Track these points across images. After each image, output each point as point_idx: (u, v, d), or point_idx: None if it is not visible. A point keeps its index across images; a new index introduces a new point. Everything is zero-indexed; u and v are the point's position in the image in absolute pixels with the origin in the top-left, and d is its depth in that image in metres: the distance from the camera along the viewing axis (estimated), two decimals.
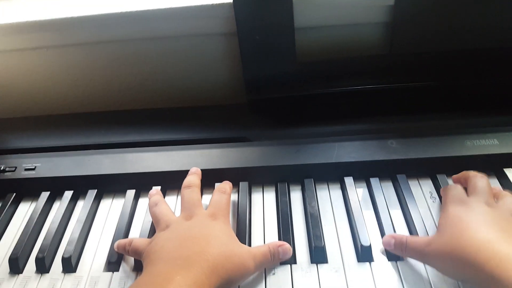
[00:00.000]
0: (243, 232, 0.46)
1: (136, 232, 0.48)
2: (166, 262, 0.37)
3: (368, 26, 0.56)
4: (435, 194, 0.49)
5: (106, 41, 0.60)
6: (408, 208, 0.46)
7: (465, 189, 0.44)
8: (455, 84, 0.54)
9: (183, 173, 0.50)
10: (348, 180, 0.50)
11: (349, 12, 0.54)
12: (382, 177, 0.50)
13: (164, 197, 0.52)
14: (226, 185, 0.49)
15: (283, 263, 0.43)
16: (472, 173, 0.45)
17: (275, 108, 0.57)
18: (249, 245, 0.45)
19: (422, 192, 0.49)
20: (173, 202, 0.51)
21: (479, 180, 0.43)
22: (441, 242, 0.37)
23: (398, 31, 0.52)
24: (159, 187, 0.51)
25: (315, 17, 0.54)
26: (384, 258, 0.43)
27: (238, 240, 0.42)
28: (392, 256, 0.43)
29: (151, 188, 0.51)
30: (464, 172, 0.46)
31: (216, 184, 0.50)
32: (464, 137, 0.50)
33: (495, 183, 0.50)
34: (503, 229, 0.36)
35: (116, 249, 0.45)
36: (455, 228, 0.38)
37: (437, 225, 0.43)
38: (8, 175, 0.53)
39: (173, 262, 0.37)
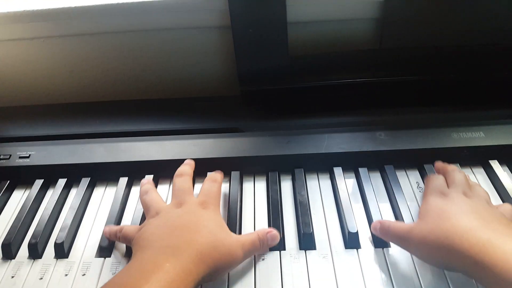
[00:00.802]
0: (234, 220, 0.47)
1: (128, 219, 0.49)
2: (155, 250, 0.38)
3: (358, 21, 0.57)
4: (422, 185, 0.50)
5: (102, 32, 0.61)
6: (395, 197, 0.48)
7: None
8: (443, 78, 0.55)
9: (176, 162, 0.51)
10: (337, 170, 0.51)
11: (341, 7, 0.56)
12: (370, 168, 0.52)
13: (156, 186, 0.53)
14: (217, 174, 0.49)
15: (272, 249, 0.44)
16: (450, 167, 0.47)
17: (267, 100, 0.59)
18: (240, 233, 0.47)
19: (409, 182, 0.51)
20: (165, 191, 0.52)
21: (457, 173, 0.45)
22: (423, 230, 0.39)
23: (387, 27, 0.54)
24: (151, 177, 0.51)
25: (308, 12, 0.56)
26: (371, 245, 0.44)
27: (227, 229, 0.43)
28: (379, 243, 0.44)
29: (144, 177, 0.52)
30: (443, 166, 0.48)
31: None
32: (451, 129, 0.52)
33: (481, 174, 0.52)
34: (482, 217, 0.38)
35: (107, 236, 0.45)
36: (437, 217, 0.39)
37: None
38: (3, 162, 0.54)
39: (163, 250, 0.38)
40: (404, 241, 0.41)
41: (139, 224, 0.47)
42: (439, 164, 0.49)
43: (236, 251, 0.40)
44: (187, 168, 0.50)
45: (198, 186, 0.52)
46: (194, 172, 0.51)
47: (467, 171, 0.52)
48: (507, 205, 0.43)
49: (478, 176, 0.51)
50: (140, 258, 0.38)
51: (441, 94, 0.56)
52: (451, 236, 0.36)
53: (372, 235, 0.44)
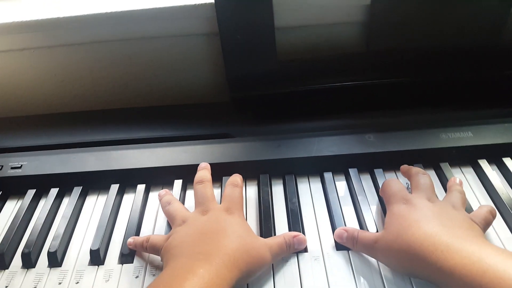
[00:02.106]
0: None
1: (121, 226, 0.50)
2: (187, 257, 0.39)
3: (345, 25, 0.59)
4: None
5: (91, 41, 0.63)
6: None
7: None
8: (430, 80, 0.58)
9: (167, 169, 0.54)
10: (327, 174, 0.53)
11: (327, 12, 0.58)
12: (360, 170, 0.53)
13: (148, 193, 0.54)
14: (237, 177, 0.50)
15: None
16: (414, 170, 0.48)
17: (257, 105, 0.61)
18: None
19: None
20: (157, 199, 0.53)
21: (422, 177, 0.47)
22: (388, 240, 0.41)
23: (374, 30, 0.56)
24: (177, 186, 0.53)
25: (295, 17, 0.58)
26: None
27: (254, 233, 0.44)
28: None
29: (135, 185, 0.54)
30: (408, 169, 0.49)
31: (224, 178, 0.52)
32: (439, 130, 0.54)
33: (470, 173, 0.53)
34: (442, 223, 0.39)
35: (132, 246, 0.46)
36: (399, 226, 0.41)
37: None
38: None
39: (195, 257, 0.39)
40: (371, 250, 0.43)
41: (134, 234, 0.48)
42: (403, 167, 0.50)
43: (265, 254, 0.42)
44: (205, 173, 0.51)
45: (188, 193, 0.54)
46: (182, 177, 0.53)
47: (456, 170, 0.53)
48: (483, 207, 0.45)
49: (467, 176, 0.53)
50: (173, 266, 0.39)
51: (429, 95, 0.58)
52: (412, 244, 0.38)
53: None
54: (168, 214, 0.48)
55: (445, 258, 0.35)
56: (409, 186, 0.49)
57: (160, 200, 0.51)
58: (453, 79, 0.57)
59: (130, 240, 0.47)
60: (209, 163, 0.53)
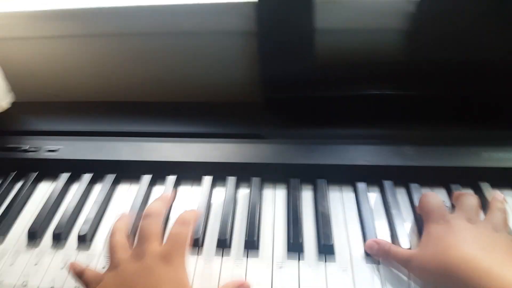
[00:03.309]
0: (253, 226, 0.49)
1: None
2: None
3: (388, 32, 0.59)
4: (448, 204, 0.51)
5: (129, 33, 0.65)
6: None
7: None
8: (475, 95, 0.56)
9: (198, 165, 0.55)
10: (361, 183, 0.53)
11: (370, 17, 0.58)
12: (396, 183, 0.53)
13: (177, 188, 0.56)
14: (190, 214, 0.45)
15: (291, 257, 0.46)
16: (464, 193, 0.47)
17: (290, 108, 0.61)
18: (258, 241, 0.48)
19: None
20: (187, 192, 0.55)
21: (468, 197, 0.46)
22: (424, 259, 0.41)
23: (418, 39, 0.56)
24: (128, 213, 0.50)
25: (336, 21, 0.58)
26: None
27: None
28: None
29: (166, 177, 0.55)
30: (459, 194, 0.48)
31: (181, 214, 0.45)
32: (481, 148, 0.53)
33: (510, 196, 0.52)
34: (483, 246, 0.39)
35: (70, 269, 0.45)
36: (436, 246, 0.41)
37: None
38: (31, 155, 0.58)
39: None
40: (404, 266, 0.43)
41: (163, 226, 0.48)
42: (457, 193, 0.49)
43: None
44: (158, 205, 0.46)
45: (219, 189, 0.55)
46: (215, 175, 0.54)
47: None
48: None
49: (508, 199, 0.51)
50: None
51: (472, 111, 0.57)
52: (450, 265, 0.38)
53: None
54: (108, 248, 0.44)
55: (487, 281, 0.35)
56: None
57: (113, 226, 0.46)
58: (499, 96, 0.56)
59: (70, 264, 0.45)
60: (240, 163, 0.54)
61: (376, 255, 0.45)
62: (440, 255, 0.39)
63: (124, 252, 0.43)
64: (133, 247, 0.43)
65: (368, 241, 0.46)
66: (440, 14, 0.54)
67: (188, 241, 0.42)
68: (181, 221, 0.43)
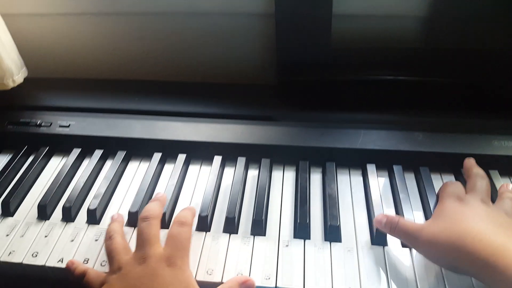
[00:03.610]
0: (261, 206, 0.49)
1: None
2: None
3: (405, 19, 0.59)
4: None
5: (146, 12, 0.65)
6: (428, 200, 0.49)
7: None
8: (488, 83, 0.56)
9: (209, 144, 0.56)
10: (371, 167, 0.53)
11: (388, 3, 0.57)
12: (405, 168, 0.53)
13: (188, 166, 0.56)
14: (187, 212, 0.45)
15: (298, 236, 0.47)
16: (475, 172, 0.47)
17: (304, 91, 0.61)
18: (265, 220, 0.49)
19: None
20: (196, 172, 0.56)
21: (480, 179, 0.46)
22: (436, 229, 0.40)
23: (435, 26, 0.55)
24: (124, 216, 0.49)
25: (354, 6, 0.58)
26: (398, 244, 0.45)
27: None
28: None
29: (177, 155, 0.56)
30: (469, 167, 0.48)
31: (177, 214, 0.46)
32: (492, 137, 0.52)
33: None
34: (497, 223, 0.39)
35: (68, 266, 0.44)
36: (450, 218, 0.41)
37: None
38: (43, 129, 0.59)
39: None
40: (413, 239, 0.42)
41: (174, 203, 0.50)
42: (467, 161, 0.49)
43: None
44: (155, 206, 0.46)
45: (228, 170, 0.55)
46: (224, 155, 0.54)
47: (505, 180, 0.52)
48: None
49: None
50: None
51: (485, 99, 0.57)
52: (463, 237, 0.38)
53: None
54: (106, 252, 0.44)
55: (499, 255, 0.35)
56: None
57: (108, 226, 0.47)
58: None
59: (69, 263, 0.45)
60: (250, 144, 0.55)
61: (384, 228, 0.44)
62: (452, 226, 0.39)
63: (125, 255, 0.43)
64: (134, 250, 0.43)
65: (377, 215, 0.46)
66: (456, 1, 0.54)
67: (189, 241, 0.43)
68: (179, 221, 0.44)
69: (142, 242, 0.42)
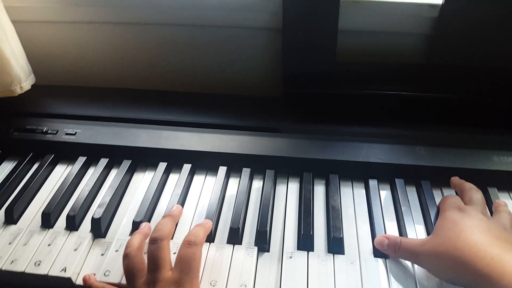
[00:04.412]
0: (265, 217, 0.48)
1: (165, 203, 0.51)
2: None
3: (409, 35, 0.59)
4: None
5: (155, 23, 0.65)
6: (429, 212, 0.48)
7: None
8: (488, 100, 0.56)
9: (214, 155, 0.55)
10: (373, 180, 0.52)
11: (393, 20, 0.58)
12: (406, 182, 0.53)
13: (193, 176, 0.56)
14: (199, 230, 0.44)
15: (301, 248, 0.46)
16: (468, 186, 0.48)
17: (309, 103, 0.61)
18: (270, 231, 0.48)
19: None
20: (200, 182, 0.55)
21: (475, 193, 0.46)
22: (436, 243, 0.40)
23: (437, 43, 0.56)
24: (143, 231, 0.47)
25: (360, 22, 0.58)
26: None
27: None
28: None
29: (182, 165, 0.55)
30: (461, 183, 0.49)
31: (188, 234, 0.44)
32: (493, 152, 0.52)
33: None
34: (495, 236, 0.39)
35: (85, 280, 0.44)
36: (450, 230, 0.41)
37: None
38: (49, 137, 0.58)
39: None
40: (414, 255, 0.42)
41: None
42: (455, 179, 0.50)
43: None
44: (165, 226, 0.45)
45: (232, 180, 0.54)
46: (229, 166, 0.54)
47: (504, 195, 0.52)
48: None
49: None
50: None
51: (486, 115, 0.57)
52: (460, 248, 0.38)
53: None
54: (123, 270, 0.43)
55: (495, 266, 0.35)
56: None
57: (127, 243, 0.45)
58: None
59: (86, 278, 0.44)
60: (255, 155, 0.54)
61: (386, 250, 0.44)
62: (452, 237, 0.39)
63: (140, 278, 0.42)
64: (146, 273, 0.42)
65: (378, 236, 0.46)
66: (459, 20, 0.54)
67: (198, 262, 0.42)
68: (188, 241, 0.42)
69: (152, 266, 0.42)
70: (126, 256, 0.44)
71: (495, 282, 0.34)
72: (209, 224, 0.46)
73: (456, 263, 0.37)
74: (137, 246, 0.44)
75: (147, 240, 0.44)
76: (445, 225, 0.42)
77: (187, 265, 0.41)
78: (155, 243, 0.43)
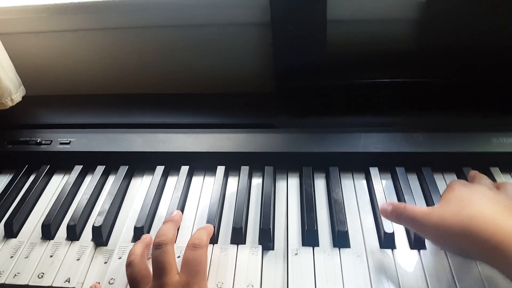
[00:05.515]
0: (267, 214, 0.46)
1: (165, 207, 0.49)
2: None
3: (398, 22, 0.56)
4: None
5: (142, 26, 0.62)
6: (432, 199, 0.46)
7: None
8: (482, 82, 0.54)
9: (211, 155, 0.53)
10: (374, 171, 0.50)
11: (381, 7, 0.55)
12: (407, 169, 0.50)
13: (191, 178, 0.53)
14: (202, 233, 0.43)
15: (306, 244, 0.44)
16: (479, 174, 0.46)
17: (302, 97, 0.58)
18: (273, 229, 0.46)
19: (446, 185, 0.49)
20: (199, 183, 0.52)
21: (484, 178, 0.44)
22: (444, 215, 0.38)
23: (427, 28, 0.53)
24: (142, 244, 0.44)
25: (348, 11, 0.55)
26: (407, 246, 0.43)
27: None
28: (415, 244, 0.43)
29: (180, 167, 0.53)
30: (475, 173, 0.46)
31: (192, 236, 0.42)
32: (491, 134, 0.50)
33: None
34: (506, 207, 0.37)
35: None
36: (459, 202, 0.38)
37: None
38: (44, 147, 0.55)
39: None
40: (421, 224, 0.39)
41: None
42: (471, 172, 0.47)
43: None
44: (168, 230, 0.43)
45: (231, 179, 0.52)
46: (228, 166, 0.51)
47: (506, 177, 0.50)
48: None
49: None
50: None
51: (481, 97, 0.55)
52: (474, 221, 0.36)
53: (407, 233, 0.43)
54: (127, 279, 0.41)
55: (510, 240, 0.33)
56: None
57: (130, 251, 0.43)
58: (508, 82, 0.54)
59: (93, 287, 0.42)
60: (252, 152, 0.52)
61: (390, 217, 0.42)
62: (462, 210, 0.37)
63: (145, 285, 0.40)
64: (152, 279, 0.40)
65: (382, 204, 0.43)
66: (447, 3, 0.51)
67: (205, 264, 0.40)
68: (193, 244, 0.41)
69: (158, 271, 0.40)
70: (129, 264, 0.41)
71: (508, 257, 0.33)
72: (211, 227, 0.45)
73: (468, 236, 0.35)
74: (140, 254, 0.42)
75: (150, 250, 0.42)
76: (453, 197, 0.39)
77: (194, 267, 0.39)
78: (159, 248, 0.41)
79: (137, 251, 0.42)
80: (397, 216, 0.41)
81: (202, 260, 0.40)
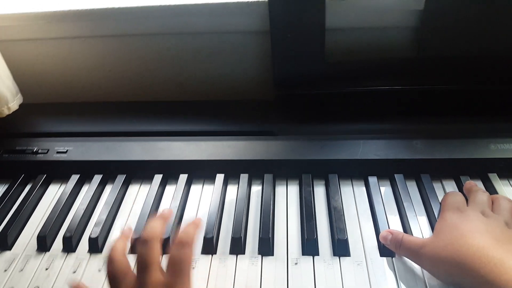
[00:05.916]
0: (267, 222, 0.45)
1: None
2: None
3: (397, 29, 0.56)
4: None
5: (142, 33, 0.61)
6: (431, 206, 0.46)
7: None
8: (481, 89, 0.54)
9: (211, 163, 0.51)
10: (372, 179, 0.50)
11: (379, 15, 0.55)
12: (406, 176, 0.50)
13: (190, 185, 0.52)
14: (190, 230, 0.39)
15: (306, 253, 0.43)
16: (475, 188, 0.46)
17: (301, 104, 0.58)
18: (272, 237, 0.45)
19: (445, 192, 0.48)
20: (198, 192, 0.51)
21: (480, 193, 0.44)
22: (437, 246, 0.38)
23: (426, 35, 0.53)
24: (126, 237, 0.42)
25: (346, 19, 0.55)
26: None
27: None
28: None
29: (178, 176, 0.51)
30: (471, 186, 0.47)
31: (179, 232, 0.39)
32: (489, 140, 0.50)
33: None
34: (496, 237, 0.37)
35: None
36: (451, 234, 0.39)
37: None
38: (40, 157, 0.54)
39: None
40: (416, 255, 0.40)
41: (178, 224, 0.46)
42: (467, 183, 0.48)
43: None
44: (156, 226, 0.40)
45: (231, 188, 0.51)
46: (227, 173, 0.50)
47: (504, 183, 0.49)
48: None
49: None
50: None
51: (480, 104, 0.54)
52: (463, 254, 0.36)
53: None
54: (108, 275, 0.38)
55: (499, 272, 0.34)
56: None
57: (111, 247, 0.40)
58: (506, 88, 0.53)
59: (74, 284, 0.40)
60: (252, 160, 0.51)
61: (389, 246, 0.42)
62: (454, 242, 0.37)
63: (126, 281, 0.37)
64: (135, 278, 0.37)
65: (382, 232, 0.43)
66: (445, 10, 0.51)
67: (190, 263, 0.37)
68: (180, 241, 0.38)
69: (141, 267, 0.37)
70: (110, 260, 0.38)
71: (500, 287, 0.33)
72: (199, 221, 0.40)
73: (459, 268, 0.36)
74: (121, 250, 0.39)
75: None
76: (445, 228, 0.40)
77: (179, 267, 0.37)
78: (145, 243, 0.38)
79: (117, 246, 0.40)
80: (395, 246, 0.42)
81: (188, 259, 0.37)
